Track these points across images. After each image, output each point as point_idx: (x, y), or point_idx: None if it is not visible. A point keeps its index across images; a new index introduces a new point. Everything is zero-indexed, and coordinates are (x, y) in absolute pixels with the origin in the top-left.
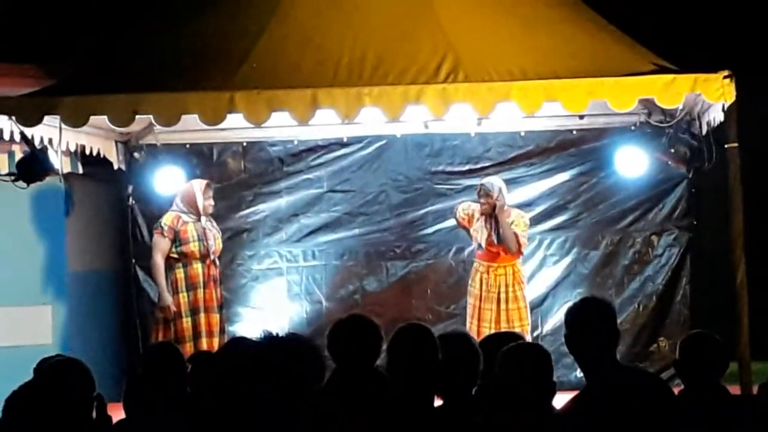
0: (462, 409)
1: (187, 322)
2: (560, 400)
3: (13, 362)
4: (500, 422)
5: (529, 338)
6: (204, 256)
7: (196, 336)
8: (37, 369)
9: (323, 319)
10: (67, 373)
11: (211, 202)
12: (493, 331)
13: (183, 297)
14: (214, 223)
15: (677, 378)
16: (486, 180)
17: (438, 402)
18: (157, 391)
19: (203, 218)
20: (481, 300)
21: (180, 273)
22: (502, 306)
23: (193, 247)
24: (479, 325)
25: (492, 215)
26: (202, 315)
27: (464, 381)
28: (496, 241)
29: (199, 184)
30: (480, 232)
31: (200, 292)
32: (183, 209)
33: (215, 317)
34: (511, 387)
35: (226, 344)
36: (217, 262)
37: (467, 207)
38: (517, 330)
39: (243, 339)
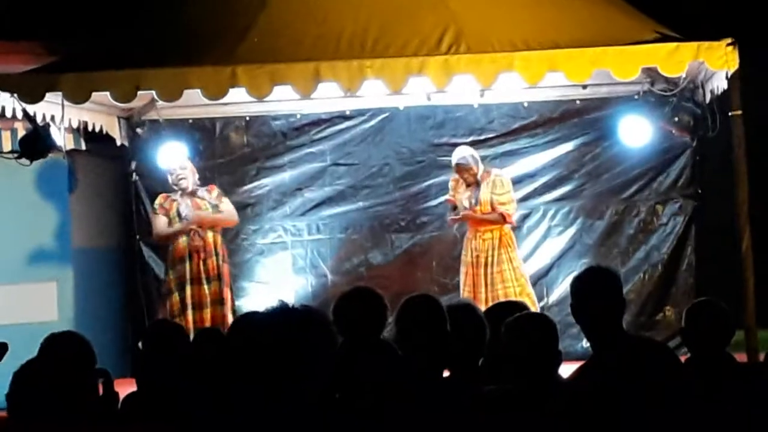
0: (469, 380)
1: (176, 296)
2: (567, 370)
3: (20, 339)
4: (507, 393)
5: (530, 299)
6: (187, 232)
7: (184, 308)
8: (42, 345)
9: (328, 292)
10: (65, 346)
11: (182, 175)
12: (485, 295)
13: (171, 273)
14: (210, 195)
15: (683, 347)
16: (457, 157)
17: (445, 373)
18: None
19: (186, 194)
20: (472, 266)
21: (171, 249)
22: (489, 269)
23: (174, 223)
24: (474, 290)
25: (476, 182)
26: (188, 287)
27: (471, 352)
28: (474, 202)
29: (172, 163)
30: (462, 196)
31: (186, 265)
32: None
33: (204, 289)
34: (516, 357)
35: (236, 319)
36: (209, 234)
37: (453, 177)
38: (500, 291)
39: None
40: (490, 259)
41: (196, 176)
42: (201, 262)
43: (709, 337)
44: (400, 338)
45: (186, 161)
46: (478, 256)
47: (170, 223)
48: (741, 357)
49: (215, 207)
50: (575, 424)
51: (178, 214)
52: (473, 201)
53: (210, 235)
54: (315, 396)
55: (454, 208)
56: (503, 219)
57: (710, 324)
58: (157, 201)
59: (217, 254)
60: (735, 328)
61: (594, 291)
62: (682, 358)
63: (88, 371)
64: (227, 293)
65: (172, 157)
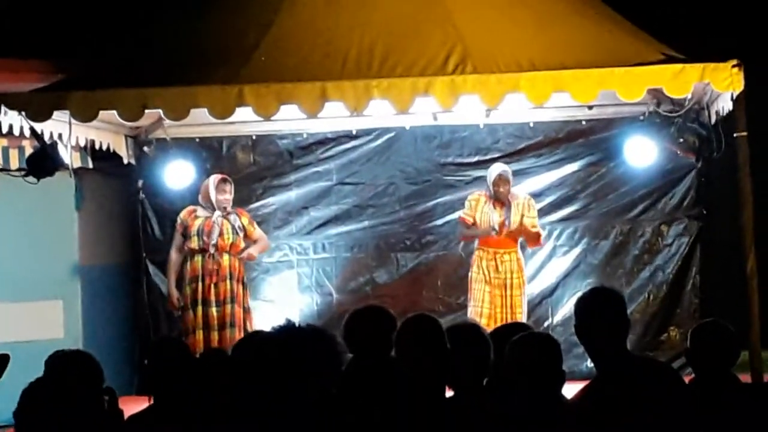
0: (473, 399)
1: (190, 313)
2: (572, 389)
3: (27, 357)
4: (511, 412)
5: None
6: (203, 250)
7: (195, 329)
8: (46, 363)
9: (334, 311)
10: (73, 364)
11: (227, 196)
12: (504, 316)
13: (187, 289)
14: (234, 218)
15: (688, 367)
16: (500, 168)
17: (449, 393)
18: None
19: (216, 213)
20: (491, 285)
21: (187, 266)
22: (508, 291)
23: (193, 242)
24: (492, 309)
25: (505, 201)
26: (199, 308)
27: (475, 371)
28: (508, 224)
29: (213, 179)
30: (491, 216)
31: (198, 285)
32: (201, 203)
33: (212, 311)
34: (520, 377)
35: (241, 339)
36: (225, 257)
37: (472, 196)
38: (519, 316)
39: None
40: (509, 281)
41: None
42: (212, 285)
43: (713, 358)
44: (399, 358)
45: (227, 178)
46: (498, 277)
47: (187, 241)
48: (746, 378)
49: (236, 232)
50: None
51: (198, 233)
52: (507, 221)
53: (226, 258)
54: (318, 411)
55: (469, 225)
56: (538, 238)
57: (715, 345)
58: (181, 215)
59: (231, 277)
60: (740, 349)
61: (598, 311)
62: (687, 379)
63: (95, 389)
64: (240, 315)
65: (203, 173)
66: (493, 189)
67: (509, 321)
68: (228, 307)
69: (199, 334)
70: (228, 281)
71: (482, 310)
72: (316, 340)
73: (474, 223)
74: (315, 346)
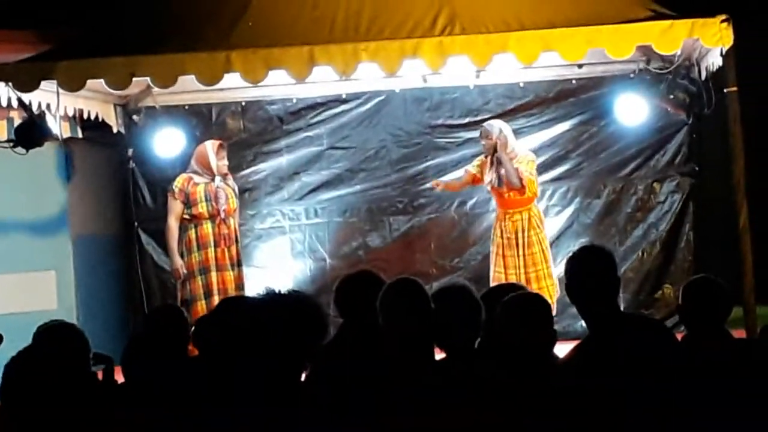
0: (464, 361)
1: (198, 281)
2: (565, 349)
3: (20, 329)
4: (502, 373)
5: (552, 281)
6: (213, 216)
7: (208, 294)
8: (33, 337)
9: (327, 276)
10: (57, 337)
11: (225, 162)
12: (518, 277)
13: (194, 257)
14: (232, 182)
15: (682, 324)
16: (487, 122)
17: (440, 355)
18: (157, 352)
19: (217, 178)
20: (503, 247)
21: (192, 233)
22: (520, 251)
23: (201, 208)
24: (506, 273)
25: (495, 156)
26: (214, 273)
27: (466, 333)
28: (496, 183)
29: (211, 145)
30: (488, 176)
31: (211, 251)
32: (197, 170)
33: (229, 275)
34: (511, 337)
35: (218, 304)
36: (231, 221)
37: (477, 160)
38: (532, 274)
39: (238, 298)
40: (520, 240)
41: None
42: (227, 249)
43: (706, 314)
44: (384, 323)
45: (223, 143)
46: (508, 238)
47: (193, 208)
48: (739, 334)
49: (236, 196)
50: (570, 403)
51: (206, 199)
52: (496, 181)
53: (232, 222)
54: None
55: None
56: (519, 177)
57: (707, 301)
58: (177, 183)
59: (237, 241)
60: (733, 305)
61: (587, 270)
62: (680, 336)
63: (81, 360)
64: (244, 277)
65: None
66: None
67: (523, 282)
68: (238, 270)
69: (213, 300)
70: (236, 244)
71: (496, 274)
72: (297, 306)
73: (474, 178)
74: (296, 311)
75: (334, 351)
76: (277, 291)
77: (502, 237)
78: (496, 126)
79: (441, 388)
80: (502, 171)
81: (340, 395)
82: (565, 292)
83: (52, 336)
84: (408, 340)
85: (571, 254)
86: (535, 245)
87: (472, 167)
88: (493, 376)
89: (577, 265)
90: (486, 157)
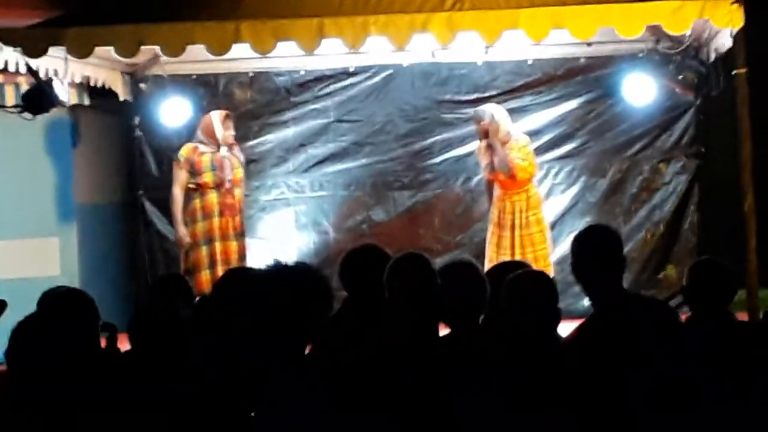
0: (469, 337)
1: (202, 250)
2: (569, 328)
3: (23, 294)
4: (506, 350)
5: (548, 262)
6: (218, 186)
7: (212, 264)
8: (41, 301)
9: (331, 249)
10: (66, 302)
11: (232, 131)
12: (512, 257)
13: (199, 226)
14: (238, 152)
15: (686, 305)
16: (480, 107)
17: (445, 331)
18: (163, 320)
19: (223, 148)
20: (499, 227)
21: (197, 203)
22: (516, 232)
23: (207, 177)
24: (498, 252)
25: (487, 142)
26: (217, 243)
27: (470, 309)
28: (490, 169)
29: (218, 115)
30: (483, 160)
31: (215, 220)
32: (202, 140)
33: (233, 245)
34: (516, 315)
35: (223, 275)
36: (236, 191)
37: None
38: (530, 255)
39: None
40: (517, 221)
41: None
42: (231, 219)
43: (710, 296)
44: (390, 297)
45: (229, 113)
46: (505, 218)
47: (199, 177)
48: (742, 316)
49: (242, 166)
50: (574, 381)
51: (212, 169)
52: (489, 167)
53: (237, 192)
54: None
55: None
56: (509, 166)
57: (712, 282)
58: (183, 153)
59: (241, 211)
60: (737, 287)
61: (594, 249)
62: (683, 317)
63: (89, 327)
64: (246, 248)
65: (199, 109)
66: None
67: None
68: (242, 240)
69: (217, 270)
70: (239, 215)
71: (490, 254)
72: (304, 277)
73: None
74: (303, 283)
75: (338, 325)
76: (284, 263)
77: (499, 217)
78: (488, 111)
79: (444, 364)
80: (495, 158)
81: (344, 369)
82: (570, 270)
83: (63, 301)
84: (414, 315)
85: (577, 233)
86: (534, 225)
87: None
88: (497, 352)
89: (583, 245)
90: (481, 141)
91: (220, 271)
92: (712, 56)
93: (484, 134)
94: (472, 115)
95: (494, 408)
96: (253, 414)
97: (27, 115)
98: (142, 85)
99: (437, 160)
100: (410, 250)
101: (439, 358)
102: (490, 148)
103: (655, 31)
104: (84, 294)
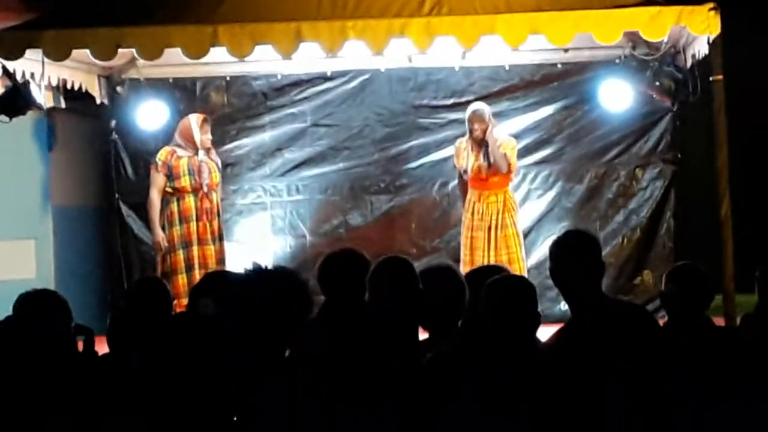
0: (447, 342)
1: (179, 254)
2: (545, 333)
3: None
4: (485, 355)
5: (522, 265)
6: (196, 190)
7: (189, 268)
8: (16, 304)
9: (307, 253)
10: (39, 305)
11: (209, 135)
12: (487, 258)
13: (176, 230)
14: (215, 157)
15: (662, 310)
16: (476, 106)
17: (424, 335)
18: (139, 325)
19: (201, 152)
20: (472, 229)
21: (174, 207)
22: (492, 233)
23: (184, 181)
24: (473, 254)
25: (482, 141)
26: (195, 247)
27: (449, 314)
28: (486, 165)
29: (195, 119)
30: (467, 159)
31: (193, 225)
32: (180, 143)
33: (210, 249)
34: (495, 319)
35: (202, 278)
36: (214, 196)
37: (458, 142)
38: (504, 257)
39: (222, 272)
40: (494, 222)
41: None
42: (208, 224)
43: (687, 301)
44: (372, 300)
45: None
46: (481, 220)
47: (176, 181)
48: (719, 321)
49: (219, 171)
50: (552, 386)
51: (190, 173)
52: (486, 166)
53: (215, 196)
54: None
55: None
56: (507, 161)
57: (689, 288)
58: (160, 156)
59: (219, 215)
60: (714, 293)
61: (572, 254)
62: (661, 322)
63: (63, 330)
64: (225, 252)
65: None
66: (468, 128)
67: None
68: (219, 244)
69: (194, 274)
70: (217, 219)
71: (464, 257)
72: (284, 281)
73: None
74: (283, 287)
75: (317, 329)
76: (263, 266)
77: (473, 219)
78: (486, 110)
79: (424, 369)
80: (492, 156)
81: (323, 374)
82: (548, 275)
83: (37, 303)
84: (395, 319)
85: (556, 238)
86: (509, 227)
87: (455, 161)
88: (475, 357)
89: (562, 249)
90: (473, 142)
91: (197, 275)
92: (689, 63)
93: (484, 134)
94: (471, 115)
95: (474, 412)
96: (235, 418)
97: (3, 117)
98: (118, 89)
99: (414, 164)
100: (386, 254)
101: (420, 362)
102: (480, 145)
103: (632, 38)
104: (57, 295)
